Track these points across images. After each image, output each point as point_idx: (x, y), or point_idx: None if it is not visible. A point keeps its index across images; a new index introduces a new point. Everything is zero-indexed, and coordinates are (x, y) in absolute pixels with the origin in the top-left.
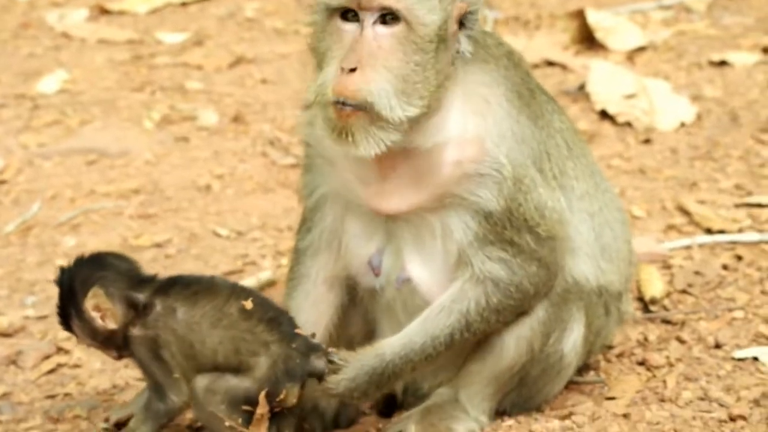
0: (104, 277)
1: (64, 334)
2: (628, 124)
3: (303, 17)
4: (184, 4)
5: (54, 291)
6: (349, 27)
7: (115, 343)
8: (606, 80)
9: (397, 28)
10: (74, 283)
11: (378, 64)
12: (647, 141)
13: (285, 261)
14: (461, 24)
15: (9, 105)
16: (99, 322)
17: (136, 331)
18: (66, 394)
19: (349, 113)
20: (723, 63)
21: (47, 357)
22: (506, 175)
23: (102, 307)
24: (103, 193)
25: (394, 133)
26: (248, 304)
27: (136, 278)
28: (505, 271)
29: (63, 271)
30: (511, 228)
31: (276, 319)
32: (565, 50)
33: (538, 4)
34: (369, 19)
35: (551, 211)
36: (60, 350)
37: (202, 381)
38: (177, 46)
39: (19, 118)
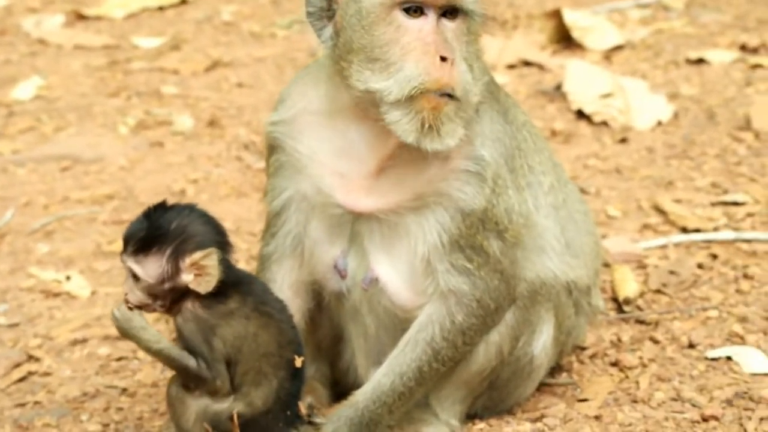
0: (224, 245)
1: (35, 342)
2: (605, 124)
3: (280, 20)
4: (161, 9)
5: (26, 299)
6: (415, 21)
7: (165, 303)
8: (582, 80)
9: (459, 21)
10: (190, 227)
11: (457, 55)
12: (623, 140)
13: None
14: None
15: None
16: (185, 277)
17: (197, 309)
18: (36, 403)
19: (446, 101)
20: (700, 61)
21: (17, 365)
22: (489, 174)
23: (204, 270)
24: (77, 200)
25: (465, 124)
26: (298, 362)
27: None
28: (467, 285)
29: (185, 208)
30: (483, 231)
31: (297, 380)
32: (543, 50)
33: (516, 4)
34: (436, 13)
35: (518, 215)
36: (30, 358)
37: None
38: (153, 50)
39: None
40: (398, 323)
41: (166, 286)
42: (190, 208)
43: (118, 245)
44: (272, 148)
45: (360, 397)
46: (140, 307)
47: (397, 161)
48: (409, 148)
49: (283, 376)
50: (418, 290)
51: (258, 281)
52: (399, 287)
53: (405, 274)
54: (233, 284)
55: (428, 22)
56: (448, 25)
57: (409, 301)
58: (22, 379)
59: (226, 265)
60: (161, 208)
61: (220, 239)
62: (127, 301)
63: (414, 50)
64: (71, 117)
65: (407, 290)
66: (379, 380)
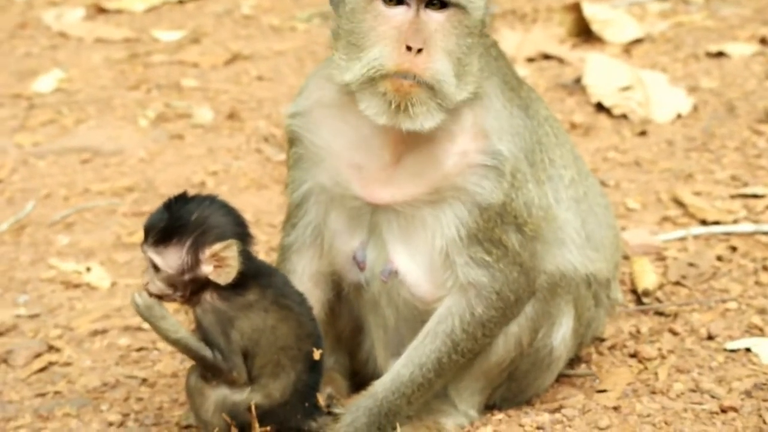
0: (245, 237)
1: (56, 332)
2: (624, 117)
3: (300, 13)
4: (181, 2)
5: (46, 290)
6: (396, 11)
7: (185, 293)
8: (602, 73)
9: (449, 12)
10: (211, 219)
11: (437, 46)
12: (643, 133)
13: None
14: None
15: (5, 104)
16: (205, 268)
17: (216, 300)
18: (56, 392)
19: (411, 84)
20: (720, 54)
21: (38, 355)
22: (507, 168)
23: (223, 261)
24: (97, 192)
25: (444, 112)
26: (317, 355)
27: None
28: (487, 278)
29: (205, 199)
30: (501, 225)
31: (315, 373)
32: (562, 43)
33: None
34: (418, 4)
35: (538, 209)
36: (51, 348)
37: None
38: (173, 44)
39: (15, 118)
40: (417, 315)
41: (186, 276)
42: (211, 200)
43: (138, 237)
44: (291, 141)
45: (379, 387)
46: (160, 297)
47: (412, 153)
48: (420, 139)
49: (301, 368)
50: (438, 283)
51: (278, 273)
52: (418, 280)
53: (424, 266)
54: (253, 276)
55: (407, 12)
56: (434, 16)
57: (429, 294)
58: (42, 370)
59: (247, 257)
60: (182, 199)
61: (240, 231)
62: (147, 291)
63: (385, 38)
64: (91, 109)
65: (426, 283)
66: (398, 371)
